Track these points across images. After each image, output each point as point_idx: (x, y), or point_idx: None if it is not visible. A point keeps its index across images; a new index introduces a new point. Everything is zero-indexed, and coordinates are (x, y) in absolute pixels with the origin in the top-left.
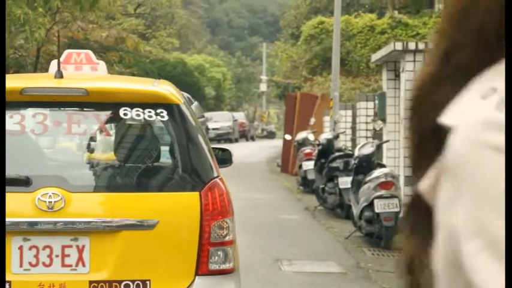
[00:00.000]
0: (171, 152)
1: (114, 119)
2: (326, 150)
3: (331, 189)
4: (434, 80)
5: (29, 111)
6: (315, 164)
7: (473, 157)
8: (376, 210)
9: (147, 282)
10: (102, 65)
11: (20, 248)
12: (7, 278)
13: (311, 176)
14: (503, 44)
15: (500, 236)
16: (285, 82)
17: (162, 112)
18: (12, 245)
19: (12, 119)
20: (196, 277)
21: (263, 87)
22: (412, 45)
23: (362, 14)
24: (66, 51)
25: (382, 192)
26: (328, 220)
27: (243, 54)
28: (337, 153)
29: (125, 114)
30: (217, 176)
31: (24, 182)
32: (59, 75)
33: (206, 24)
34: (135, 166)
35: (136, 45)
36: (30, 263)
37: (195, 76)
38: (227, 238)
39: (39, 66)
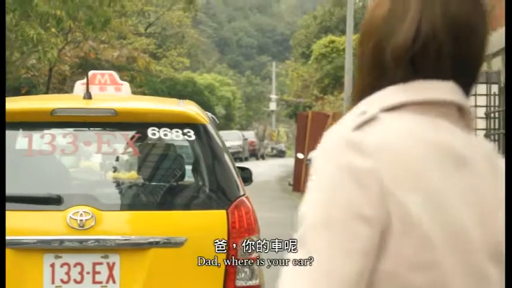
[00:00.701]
0: (198, 171)
1: (143, 138)
2: None
3: None
4: None
5: (59, 132)
6: None
7: (317, 163)
8: None
9: None
10: (126, 85)
11: (52, 265)
12: None
13: None
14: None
15: (304, 234)
16: (296, 101)
17: (189, 132)
18: (44, 262)
19: (43, 139)
20: None
21: (273, 106)
22: None
23: None
24: (91, 72)
25: None
26: None
27: (252, 73)
28: None
29: (153, 134)
30: (243, 194)
31: (55, 201)
32: (88, 96)
33: (215, 43)
34: (164, 185)
35: (147, 65)
36: (61, 280)
37: (205, 95)
38: (253, 255)
39: (51, 85)
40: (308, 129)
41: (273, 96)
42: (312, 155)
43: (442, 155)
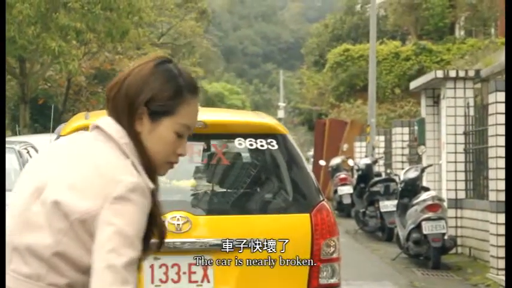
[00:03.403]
0: (283, 178)
1: (230, 148)
2: (365, 175)
3: (372, 212)
4: None
5: None
6: (355, 189)
7: None
8: (424, 232)
9: None
10: None
11: (151, 266)
12: None
13: (347, 200)
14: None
15: None
16: (309, 108)
17: (272, 142)
18: (145, 264)
19: None
20: None
21: (281, 113)
22: (452, 73)
23: (387, 41)
24: None
25: (430, 214)
26: (370, 243)
27: (259, 81)
28: (377, 178)
29: (240, 144)
30: (323, 199)
31: None
32: None
33: (221, 52)
34: (252, 192)
35: None
36: (160, 280)
37: (215, 104)
38: (334, 255)
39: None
40: (326, 137)
41: (281, 104)
42: (334, 162)
43: (51, 150)
